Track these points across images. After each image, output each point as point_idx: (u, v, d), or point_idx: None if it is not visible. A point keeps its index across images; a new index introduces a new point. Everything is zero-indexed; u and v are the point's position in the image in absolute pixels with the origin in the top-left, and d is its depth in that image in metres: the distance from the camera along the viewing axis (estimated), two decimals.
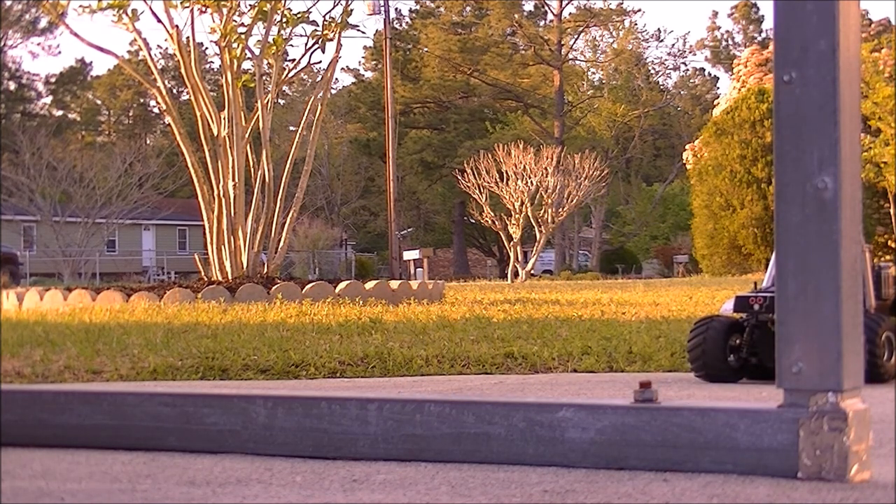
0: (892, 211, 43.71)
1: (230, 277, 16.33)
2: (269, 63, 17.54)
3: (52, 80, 69.39)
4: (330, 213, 59.07)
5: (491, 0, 63.70)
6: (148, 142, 70.61)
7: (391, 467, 3.62)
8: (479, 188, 39.53)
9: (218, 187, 16.60)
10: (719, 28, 75.64)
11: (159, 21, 16.59)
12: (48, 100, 70.41)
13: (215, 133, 16.72)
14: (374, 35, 61.38)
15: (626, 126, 65.43)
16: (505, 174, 39.19)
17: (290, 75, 18.55)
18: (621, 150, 65.09)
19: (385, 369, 7.95)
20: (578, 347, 8.63)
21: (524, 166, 39.08)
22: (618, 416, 3.49)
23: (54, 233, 44.42)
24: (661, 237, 62.02)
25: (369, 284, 16.36)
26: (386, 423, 3.76)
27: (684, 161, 49.54)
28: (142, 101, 71.99)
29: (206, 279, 16.92)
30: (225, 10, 16.59)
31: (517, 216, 39.00)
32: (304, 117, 17.90)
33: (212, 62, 55.31)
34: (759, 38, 69.73)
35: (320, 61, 20.49)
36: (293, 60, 18.58)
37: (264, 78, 17.28)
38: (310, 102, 18.91)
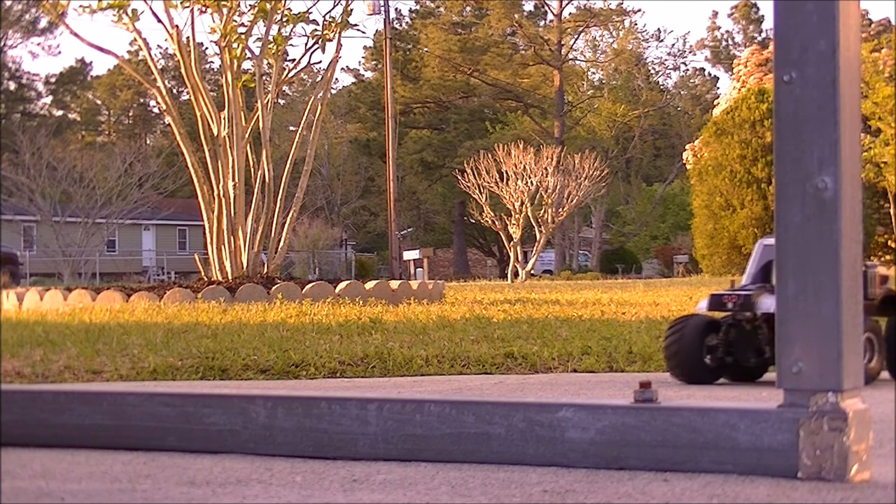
0: (892, 211, 43.72)
1: (230, 277, 16.33)
2: (269, 63, 17.54)
3: (52, 80, 69.42)
4: (330, 213, 59.07)
5: (491, 0, 63.69)
6: (148, 142, 70.63)
7: (391, 467, 3.62)
8: (479, 188, 39.54)
9: (218, 187, 16.60)
10: (719, 28, 75.69)
11: (159, 21, 16.60)
12: (48, 100, 70.47)
13: (215, 133, 16.72)
14: (374, 35, 61.41)
15: (626, 126, 65.43)
16: (505, 174, 39.20)
17: (290, 75, 18.56)
18: (621, 150, 65.10)
19: (385, 369, 7.95)
20: (578, 347, 8.63)
21: (524, 166, 39.08)
22: (618, 416, 3.49)
23: (54, 233, 44.42)
24: (661, 237, 62.03)
25: (369, 284, 16.36)
26: (386, 423, 3.76)
27: (684, 161, 49.55)
28: (142, 101, 72.00)
29: (206, 279, 16.92)
30: (225, 10, 16.59)
31: (517, 216, 39.00)
32: (304, 117, 17.90)
33: (212, 62, 55.34)
34: (759, 38, 69.74)
35: (320, 61, 20.50)
36: (293, 60, 18.59)
37: (264, 78, 17.28)
38: (310, 102, 18.92)
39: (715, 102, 54.77)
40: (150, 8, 16.73)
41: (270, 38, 17.08)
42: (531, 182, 39.05)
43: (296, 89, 63.65)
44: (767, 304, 6.68)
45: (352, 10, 17.53)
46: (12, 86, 65.74)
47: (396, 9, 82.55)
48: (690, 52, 77.67)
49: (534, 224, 39.49)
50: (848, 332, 3.20)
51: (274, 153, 18.29)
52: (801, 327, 3.22)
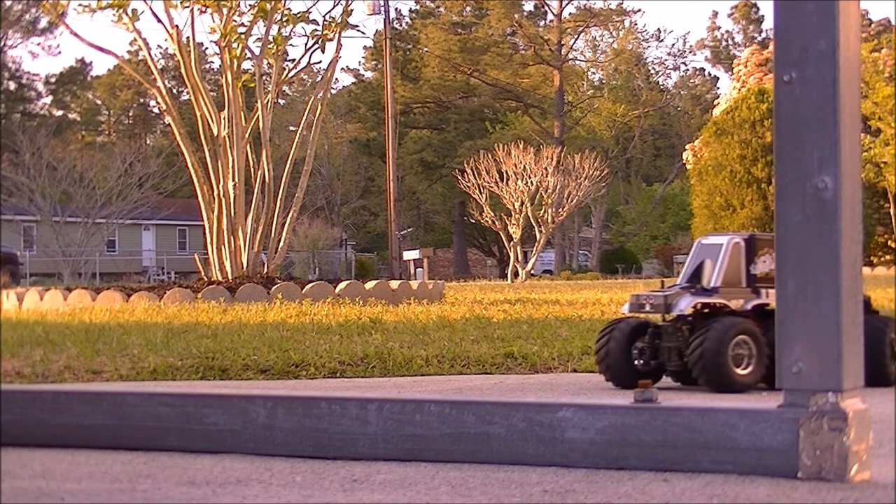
0: (892, 211, 43.72)
1: (230, 277, 16.33)
2: (269, 63, 17.55)
3: (52, 80, 69.40)
4: (330, 213, 59.05)
5: (491, 0, 63.68)
6: (148, 142, 70.62)
7: (391, 467, 3.62)
8: (479, 188, 39.53)
9: (218, 187, 16.60)
10: (719, 28, 75.67)
11: (159, 21, 16.60)
12: (48, 100, 70.44)
13: (215, 133, 16.72)
14: (374, 35, 61.40)
15: (626, 126, 65.41)
16: (505, 174, 39.19)
17: (290, 75, 18.56)
18: (621, 150, 65.08)
19: (385, 369, 7.95)
20: (578, 347, 8.62)
21: (524, 166, 39.08)
22: (618, 416, 3.49)
23: (54, 233, 44.41)
24: (661, 237, 62.00)
25: (369, 284, 16.36)
26: (386, 423, 3.76)
27: (684, 161, 49.54)
28: (142, 101, 71.98)
29: (206, 279, 16.92)
30: (225, 10, 16.59)
31: (517, 216, 39.00)
32: (304, 117, 17.90)
33: (212, 62, 55.31)
34: (759, 38, 69.72)
35: (320, 61, 20.52)
36: (293, 60, 18.60)
37: (264, 78, 17.28)
38: (310, 102, 18.92)
39: (715, 102, 54.76)
40: (150, 8, 16.75)
41: (270, 38, 17.09)
42: (531, 182, 39.04)
43: (296, 89, 63.64)
44: (682, 305, 6.60)
45: (352, 10, 17.54)
46: (12, 86, 65.73)
47: (396, 9, 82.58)
48: (690, 52, 77.66)
49: (534, 224, 39.49)
50: (848, 332, 3.20)
51: (274, 153, 18.29)
52: (801, 327, 3.22)
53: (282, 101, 58.37)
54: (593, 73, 70.06)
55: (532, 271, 41.31)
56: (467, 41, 63.23)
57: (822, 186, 3.19)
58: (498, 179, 39.28)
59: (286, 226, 17.54)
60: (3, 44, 62.23)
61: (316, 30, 17.50)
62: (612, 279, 38.55)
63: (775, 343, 3.31)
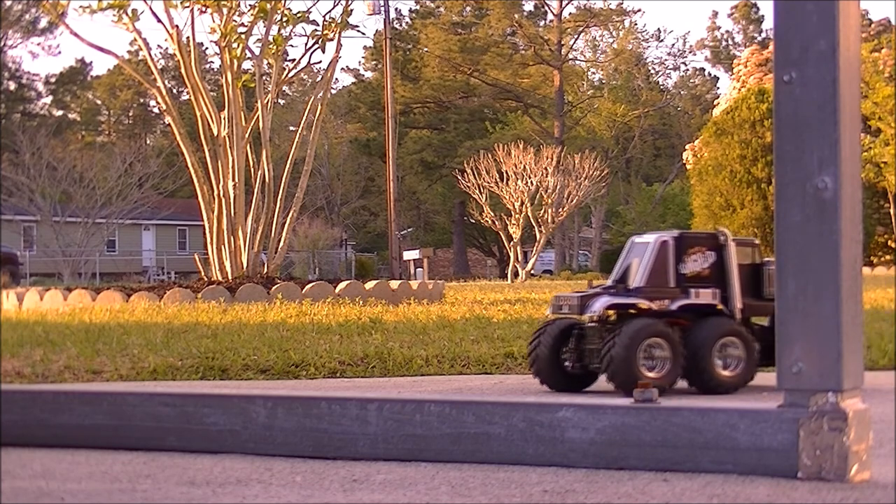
0: (892, 211, 43.71)
1: (230, 277, 16.33)
2: (269, 63, 17.55)
3: (52, 80, 69.38)
4: (330, 213, 59.04)
5: (491, 0, 63.68)
6: (148, 142, 70.60)
7: (391, 467, 3.62)
8: (479, 188, 39.52)
9: (218, 187, 16.60)
10: (719, 28, 75.64)
11: (159, 21, 16.60)
12: (48, 100, 70.43)
13: (215, 133, 16.72)
14: (374, 35, 61.38)
15: (626, 126, 65.41)
16: (505, 174, 39.18)
17: (290, 75, 18.56)
18: (621, 150, 65.08)
19: (385, 369, 7.95)
20: None
21: (524, 166, 39.06)
22: (618, 416, 3.49)
23: (54, 233, 44.39)
24: None
25: (369, 284, 16.35)
26: (386, 423, 3.76)
27: (684, 161, 49.54)
28: (142, 101, 71.97)
29: (206, 279, 16.92)
30: (225, 10, 16.59)
31: (517, 216, 38.99)
32: (304, 117, 17.90)
33: (212, 62, 55.31)
34: (759, 38, 69.71)
35: (320, 61, 20.53)
36: (293, 60, 18.60)
37: (264, 78, 17.28)
38: (310, 102, 18.92)
39: (715, 102, 54.76)
40: (150, 8, 16.75)
41: (270, 38, 17.09)
42: (531, 182, 39.02)
43: (296, 89, 63.64)
44: (596, 307, 6.51)
45: (352, 10, 17.55)
46: (12, 86, 65.72)
47: (396, 9, 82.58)
48: (690, 52, 77.67)
49: (534, 224, 39.48)
50: (848, 332, 3.20)
51: (274, 153, 18.29)
52: (801, 327, 3.22)
53: (282, 101, 58.37)
54: (593, 73, 70.06)
55: (532, 271, 41.30)
56: (467, 41, 63.23)
57: (822, 186, 3.19)
58: (498, 179, 39.27)
59: (286, 226, 17.54)
60: (3, 44, 62.23)
61: (316, 30, 17.51)
62: None
63: (775, 343, 3.30)
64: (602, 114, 65.06)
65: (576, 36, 65.68)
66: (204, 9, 16.60)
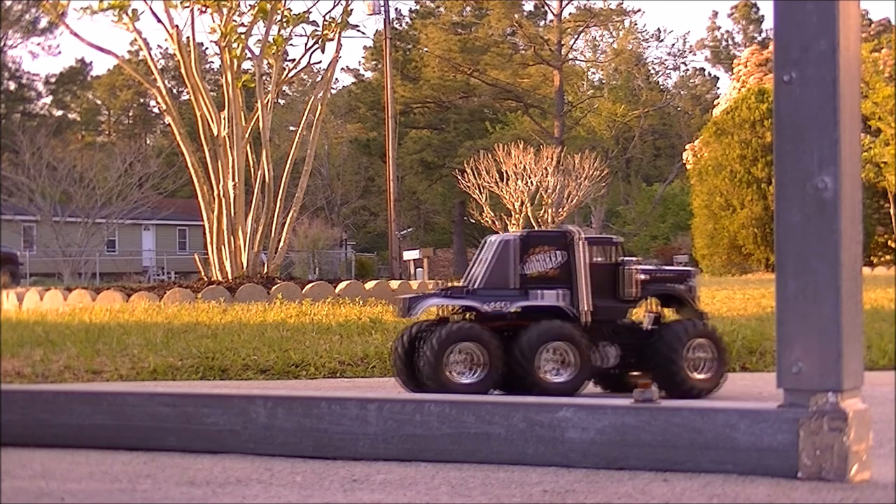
0: (892, 211, 43.71)
1: (230, 277, 16.33)
2: (269, 63, 17.54)
3: (52, 80, 69.39)
4: (330, 213, 59.04)
5: (491, 0, 63.68)
6: (148, 142, 70.58)
7: (391, 467, 3.62)
8: (479, 188, 39.50)
9: (218, 187, 16.60)
10: (719, 28, 75.64)
11: (159, 21, 16.60)
12: (48, 100, 70.43)
13: (215, 133, 16.72)
14: (374, 35, 61.38)
15: (626, 126, 65.41)
16: (505, 174, 39.17)
17: (290, 75, 18.56)
18: (621, 150, 65.08)
19: (385, 369, 7.94)
20: None
21: (524, 166, 39.05)
22: (618, 416, 3.49)
23: (54, 233, 44.38)
24: (661, 237, 62.00)
25: (369, 284, 16.35)
26: (386, 423, 3.76)
27: (684, 161, 49.54)
28: (142, 101, 71.96)
29: (206, 279, 16.92)
30: (225, 10, 16.59)
31: (517, 216, 38.97)
32: (304, 117, 17.90)
33: (212, 62, 55.29)
34: (759, 38, 69.69)
35: (320, 61, 20.52)
36: (293, 60, 18.60)
37: (264, 78, 17.28)
38: (310, 102, 18.92)
39: (715, 102, 54.75)
40: (150, 8, 16.75)
41: (270, 38, 17.09)
42: (531, 182, 39.01)
43: (296, 89, 63.63)
44: (417, 309, 6.40)
45: (352, 10, 17.55)
46: (12, 86, 65.71)
47: (396, 9, 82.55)
48: (690, 52, 77.66)
49: (534, 224, 39.47)
50: (848, 332, 3.20)
51: (274, 153, 18.28)
52: (801, 327, 3.22)
53: (282, 101, 58.35)
54: (593, 73, 70.06)
55: None
56: (467, 41, 63.22)
57: (822, 186, 3.19)
58: (498, 179, 39.26)
59: (286, 226, 17.54)
60: (3, 44, 62.22)
61: (316, 30, 17.51)
62: None
63: (776, 343, 3.30)
64: (602, 114, 65.07)
65: (576, 36, 65.68)
66: (204, 9, 16.60)
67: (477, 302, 6.36)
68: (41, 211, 44.78)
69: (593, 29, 65.99)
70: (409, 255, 40.14)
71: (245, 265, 16.61)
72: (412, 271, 41.29)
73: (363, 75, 68.40)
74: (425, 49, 64.07)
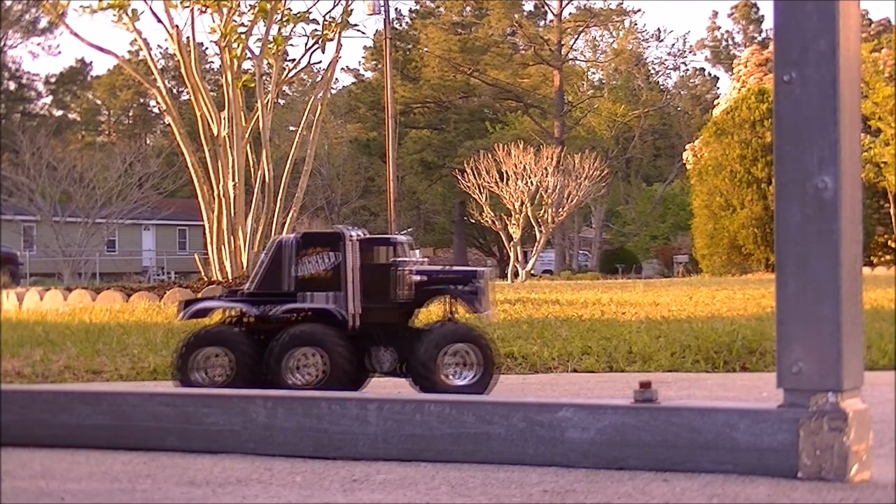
0: (892, 211, 43.72)
1: (230, 277, 16.33)
2: (269, 63, 17.55)
3: (52, 80, 69.42)
4: (330, 213, 59.06)
5: (491, 0, 63.69)
6: (148, 142, 70.60)
7: (391, 467, 3.62)
8: (479, 188, 39.51)
9: (218, 187, 16.60)
10: (719, 28, 75.65)
11: (159, 21, 16.61)
12: (48, 100, 70.45)
13: (215, 133, 16.72)
14: (374, 35, 61.40)
15: (626, 126, 65.42)
16: (505, 174, 39.17)
17: (290, 75, 18.57)
18: (621, 150, 65.09)
19: None
20: (578, 347, 8.62)
21: (524, 166, 39.06)
22: (618, 416, 3.49)
23: (54, 233, 44.39)
24: (661, 237, 62.02)
25: None
26: (386, 423, 3.76)
27: (684, 161, 49.55)
28: (142, 101, 71.98)
29: (206, 279, 16.93)
30: (225, 10, 16.59)
31: (517, 216, 38.98)
32: (304, 117, 17.90)
33: (212, 62, 55.30)
34: (759, 38, 69.70)
35: (320, 61, 20.52)
36: (293, 60, 18.60)
37: (264, 78, 17.28)
38: (310, 102, 18.92)
39: (715, 102, 54.76)
40: (150, 8, 16.75)
41: (270, 38, 17.09)
42: (531, 182, 39.02)
43: (296, 89, 63.65)
44: (183, 313, 6.29)
45: (352, 10, 17.56)
46: (12, 86, 65.73)
47: (396, 9, 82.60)
48: (690, 52, 77.67)
49: (534, 224, 39.48)
50: (848, 332, 3.20)
51: (274, 153, 18.29)
52: (801, 327, 3.22)
53: (282, 101, 58.37)
54: (593, 73, 70.07)
55: (532, 271, 41.30)
56: (467, 41, 63.24)
57: (822, 186, 3.19)
58: (498, 179, 39.26)
59: (286, 226, 17.55)
60: (3, 44, 62.23)
61: (316, 30, 17.51)
62: (613, 279, 38.54)
63: (776, 343, 3.30)
64: (602, 114, 65.08)
65: (576, 36, 65.70)
66: (204, 9, 16.60)
67: (247, 305, 6.27)
68: (41, 211, 44.79)
69: (593, 29, 66.03)
70: None
71: (245, 265, 16.61)
72: None
73: (363, 75, 68.42)
74: (425, 49, 64.09)
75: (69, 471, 3.71)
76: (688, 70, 73.79)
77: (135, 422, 4.09)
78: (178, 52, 16.80)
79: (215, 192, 16.67)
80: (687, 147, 49.04)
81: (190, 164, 16.83)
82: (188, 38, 16.93)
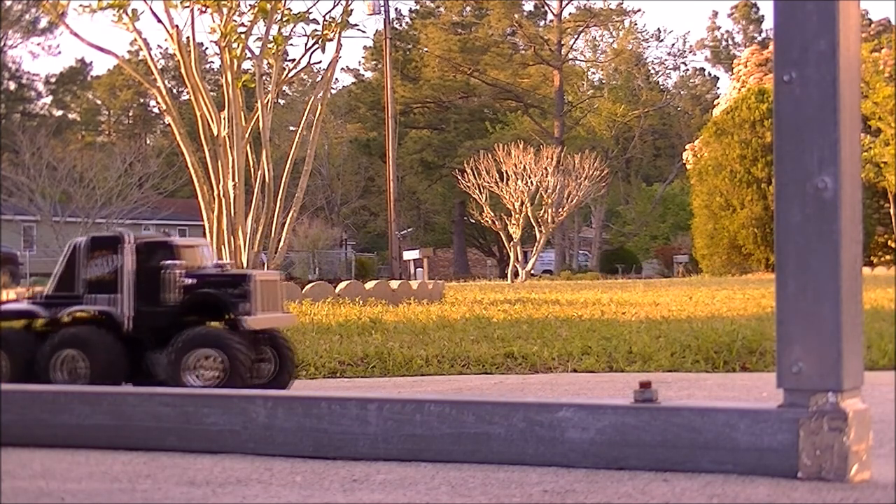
0: (892, 211, 43.73)
1: None
2: (269, 63, 17.54)
3: (52, 80, 69.40)
4: (330, 213, 59.05)
5: (491, 0, 63.69)
6: (148, 142, 70.60)
7: (391, 467, 3.62)
8: (479, 188, 39.53)
9: (218, 187, 16.60)
10: (719, 28, 75.65)
11: (159, 21, 16.59)
12: (48, 100, 70.44)
13: (215, 133, 16.72)
14: (374, 35, 61.39)
15: (626, 126, 65.43)
16: (505, 174, 39.20)
17: (290, 75, 18.55)
18: (621, 150, 65.10)
19: (385, 369, 7.95)
20: (578, 347, 8.63)
21: (524, 166, 39.08)
22: (618, 416, 3.49)
23: (54, 233, 44.38)
24: (661, 237, 62.03)
25: (369, 284, 16.37)
26: (386, 423, 3.76)
27: (684, 161, 49.57)
28: (142, 101, 71.99)
29: None
30: (225, 10, 16.59)
31: (517, 216, 39.00)
32: (304, 117, 17.90)
33: (212, 62, 55.30)
34: (759, 38, 69.70)
35: (320, 61, 20.51)
36: (293, 60, 18.58)
37: (264, 78, 17.27)
38: (310, 102, 18.91)
39: (715, 102, 54.78)
40: (150, 8, 16.73)
41: (270, 38, 17.08)
42: (531, 182, 39.04)
43: (296, 89, 63.63)
44: None
45: (352, 10, 17.53)
46: (12, 86, 65.72)
47: (396, 9, 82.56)
48: (690, 52, 77.73)
49: (534, 224, 39.49)
50: (848, 332, 3.20)
51: (274, 153, 18.28)
52: (801, 327, 3.22)
53: (282, 101, 58.36)
54: (593, 73, 70.09)
55: (532, 271, 41.31)
56: (467, 41, 63.24)
57: (822, 186, 3.19)
58: (498, 179, 39.28)
59: (286, 226, 17.54)
60: (3, 44, 62.22)
61: (316, 30, 17.49)
62: (612, 279, 38.55)
63: (776, 343, 3.30)
64: (602, 114, 65.10)
65: (576, 36, 65.72)
66: (204, 9, 16.59)
67: (39, 308, 6.37)
68: (41, 211, 44.78)
69: (593, 29, 66.05)
70: (409, 255, 40.15)
71: (245, 265, 16.60)
72: (412, 271, 41.30)
73: (363, 75, 68.43)
74: (425, 49, 64.09)
75: (69, 471, 3.71)
76: (688, 70, 73.81)
77: (135, 422, 4.09)
78: (178, 52, 16.80)
79: (215, 192, 16.67)
80: (687, 147, 49.07)
81: (190, 164, 16.82)
82: (188, 38, 16.93)
